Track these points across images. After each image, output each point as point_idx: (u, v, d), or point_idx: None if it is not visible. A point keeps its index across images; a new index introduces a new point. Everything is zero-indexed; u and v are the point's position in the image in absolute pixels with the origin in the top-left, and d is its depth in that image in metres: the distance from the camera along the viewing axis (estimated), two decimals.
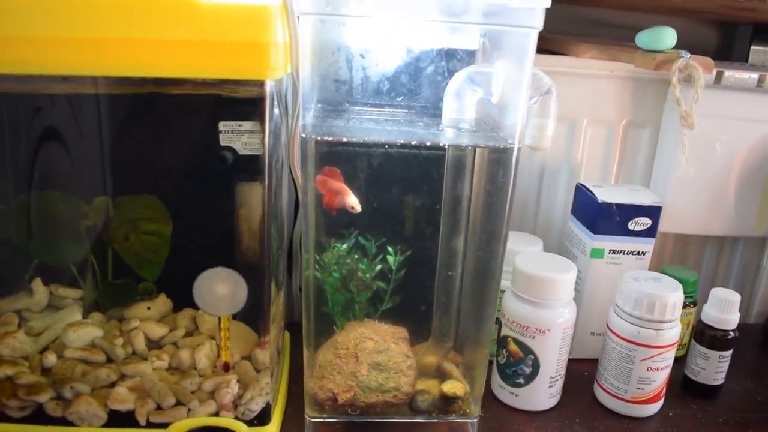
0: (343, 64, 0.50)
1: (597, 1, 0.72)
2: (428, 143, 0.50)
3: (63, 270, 0.57)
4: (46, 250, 0.56)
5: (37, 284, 0.56)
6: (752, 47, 0.80)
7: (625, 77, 0.71)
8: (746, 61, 0.81)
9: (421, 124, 0.55)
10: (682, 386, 0.67)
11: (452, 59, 0.52)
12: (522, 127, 0.49)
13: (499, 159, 0.52)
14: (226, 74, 0.45)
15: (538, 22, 0.46)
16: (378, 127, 0.52)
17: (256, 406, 0.54)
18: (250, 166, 0.52)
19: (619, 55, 0.66)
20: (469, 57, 0.52)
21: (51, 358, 0.54)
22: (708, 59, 0.63)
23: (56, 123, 0.52)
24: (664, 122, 0.72)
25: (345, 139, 0.49)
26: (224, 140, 0.51)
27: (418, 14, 0.46)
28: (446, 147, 0.53)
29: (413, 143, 0.49)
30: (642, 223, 0.65)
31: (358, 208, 0.51)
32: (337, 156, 0.50)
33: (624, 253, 0.66)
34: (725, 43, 0.84)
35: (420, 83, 0.53)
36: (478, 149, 0.53)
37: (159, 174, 0.55)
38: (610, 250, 0.66)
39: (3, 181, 0.54)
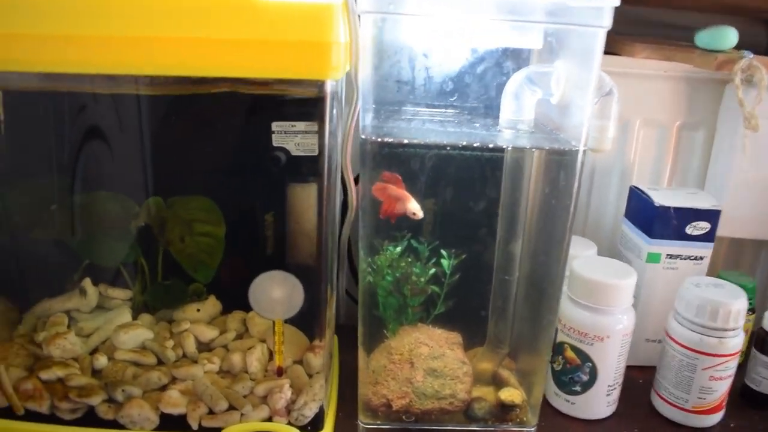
0: (405, 63, 0.49)
1: (648, 0, 0.70)
2: (490, 145, 0.49)
3: (112, 270, 0.57)
4: (97, 251, 0.56)
5: (87, 284, 0.56)
6: None
7: (679, 78, 0.69)
8: None
9: (478, 125, 0.53)
10: (742, 396, 0.65)
11: (514, 59, 0.50)
12: (587, 129, 0.48)
13: (562, 161, 0.50)
14: (286, 74, 0.44)
15: (607, 21, 0.45)
16: (437, 128, 0.50)
17: (310, 412, 0.53)
18: (304, 167, 0.51)
19: (675, 55, 0.64)
20: (528, 56, 0.51)
21: (102, 360, 0.53)
22: None
23: (110, 123, 0.52)
24: (720, 124, 0.70)
25: (405, 141, 0.48)
26: (277, 141, 0.51)
27: (481, 12, 0.45)
28: (506, 149, 0.52)
29: (475, 145, 0.48)
30: (700, 227, 0.63)
31: (420, 214, 0.50)
32: (395, 157, 0.49)
33: (681, 258, 0.64)
34: None
35: (480, 83, 0.52)
36: (538, 151, 0.52)
37: (212, 175, 0.54)
38: (667, 255, 0.64)
39: (55, 180, 0.54)
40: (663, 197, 0.63)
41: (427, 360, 0.54)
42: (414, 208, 0.49)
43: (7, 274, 0.57)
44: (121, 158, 0.53)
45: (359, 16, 0.45)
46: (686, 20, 0.75)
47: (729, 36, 0.61)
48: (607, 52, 0.69)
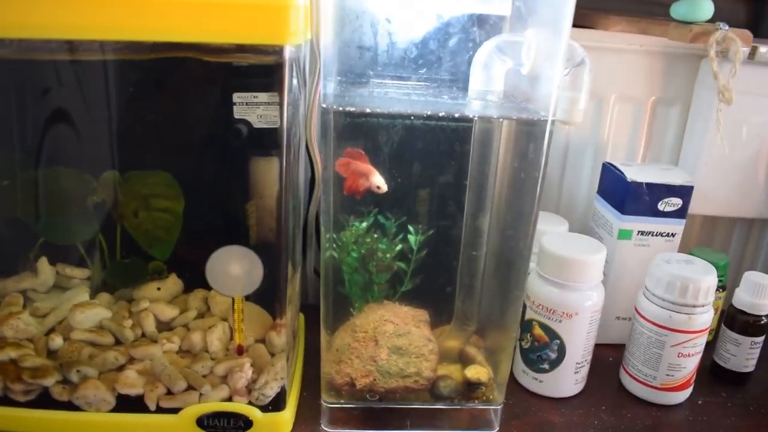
0: (368, 29, 0.47)
1: None
2: (456, 115, 0.47)
3: (69, 249, 0.55)
4: (53, 228, 0.54)
5: (43, 264, 0.54)
6: None
7: (654, 52, 0.68)
8: None
9: (446, 96, 0.52)
10: (711, 373, 0.64)
11: (483, 26, 0.49)
12: (556, 100, 0.46)
13: (531, 132, 0.49)
14: (243, 39, 0.42)
15: None
16: (403, 97, 0.49)
17: (271, 391, 0.51)
18: (266, 140, 0.49)
19: (650, 28, 0.63)
20: (499, 24, 0.49)
21: (57, 341, 0.51)
22: (746, 32, 0.60)
23: (62, 95, 0.49)
24: (695, 99, 0.69)
25: (368, 110, 0.46)
26: (239, 113, 0.49)
27: None
28: (474, 119, 0.50)
29: (441, 115, 0.46)
30: (672, 203, 0.62)
31: (384, 188, 0.48)
32: (358, 128, 0.47)
33: (653, 235, 0.63)
34: (754, 18, 0.80)
35: (447, 52, 0.50)
36: (507, 122, 0.51)
37: (170, 149, 0.52)
38: (638, 231, 0.63)
39: (8, 156, 0.51)
40: (636, 173, 0.62)
41: (391, 338, 0.53)
42: (378, 181, 0.48)
43: None
44: (77, 131, 0.51)
45: None
46: None
47: (704, 7, 0.60)
48: (581, 26, 0.68)
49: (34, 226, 0.54)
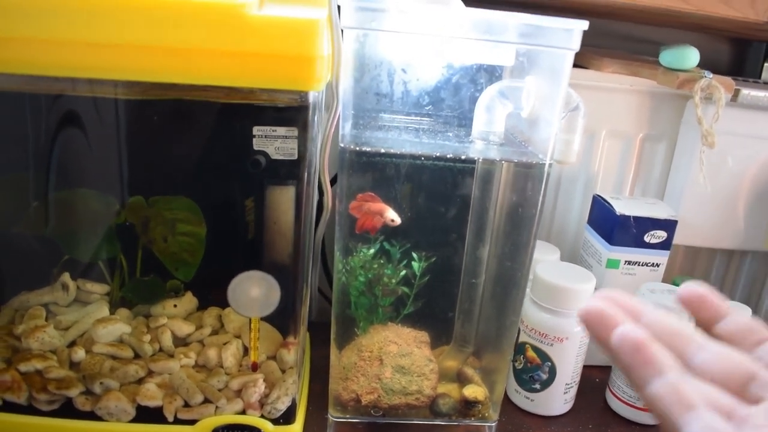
0: (384, 77, 0.51)
1: (616, 15, 0.73)
2: (463, 157, 0.51)
3: (90, 266, 0.58)
4: (77, 246, 0.57)
5: (66, 279, 0.57)
6: (766, 65, 0.81)
7: (644, 92, 0.73)
8: (759, 77, 0.82)
9: (451, 134, 0.56)
10: None
11: (488, 74, 0.53)
12: (554, 144, 0.50)
13: (529, 173, 0.53)
14: (272, 84, 0.45)
15: (575, 44, 0.47)
16: (413, 138, 0.53)
17: (282, 405, 0.55)
18: (282, 171, 0.53)
19: (641, 71, 0.68)
20: (501, 72, 0.53)
21: (80, 353, 0.54)
22: (729, 80, 0.64)
23: (94, 125, 0.53)
24: (681, 137, 0.74)
25: (382, 150, 0.50)
26: (258, 145, 0.52)
27: (457, 31, 0.47)
28: (477, 160, 0.54)
29: (448, 156, 0.50)
30: (658, 235, 0.67)
31: (398, 221, 0.52)
32: (372, 166, 0.51)
33: (639, 265, 0.68)
34: (738, 59, 0.85)
35: (455, 97, 0.54)
36: (507, 163, 0.55)
37: (193, 176, 0.56)
38: (625, 261, 0.67)
39: (38, 177, 0.55)
40: (624, 206, 0.67)
41: (395, 357, 0.57)
42: (392, 215, 0.52)
43: None
44: (105, 158, 0.54)
45: (342, 30, 0.47)
46: (652, 34, 0.79)
47: (691, 56, 0.64)
48: (576, 65, 0.72)
49: (60, 244, 0.57)
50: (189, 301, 0.59)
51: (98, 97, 0.51)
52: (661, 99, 0.73)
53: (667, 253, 0.68)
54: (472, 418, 0.58)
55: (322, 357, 0.68)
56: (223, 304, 0.59)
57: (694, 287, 0.31)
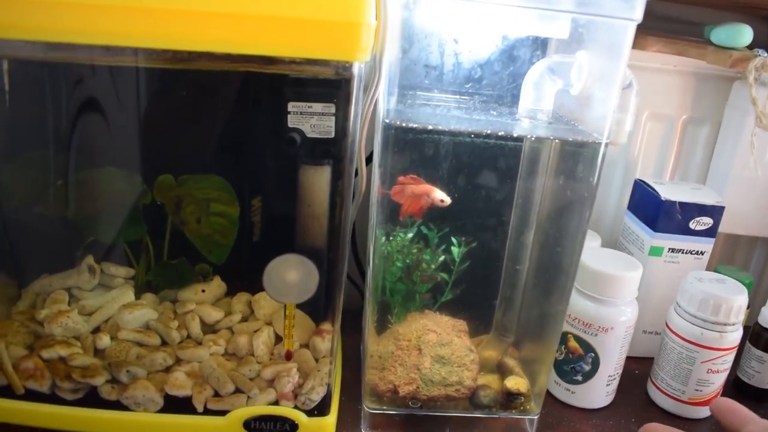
0: (435, 48, 0.48)
1: None
2: (515, 134, 0.48)
3: (113, 248, 0.56)
4: (102, 228, 0.54)
5: (91, 261, 0.55)
6: None
7: (687, 72, 0.70)
8: None
9: (495, 112, 0.53)
10: (734, 388, 0.66)
11: (543, 48, 0.50)
12: (610, 122, 0.47)
13: (581, 153, 0.50)
14: (316, 54, 0.42)
15: (638, 14, 0.44)
16: (459, 114, 0.50)
17: (317, 396, 0.52)
18: (318, 150, 0.50)
19: (687, 50, 0.64)
20: (556, 46, 0.50)
21: (105, 339, 0.52)
22: None
23: (120, 97, 0.50)
24: (726, 120, 0.71)
25: (429, 127, 0.47)
26: (292, 122, 0.49)
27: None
28: (525, 138, 0.51)
29: (499, 134, 0.47)
30: (703, 222, 0.64)
31: (448, 200, 0.49)
32: (417, 143, 0.48)
33: (683, 252, 0.65)
34: None
35: (506, 72, 0.51)
36: (557, 142, 0.52)
37: (224, 154, 0.53)
38: (669, 249, 0.65)
39: (61, 156, 0.52)
40: (669, 192, 0.64)
41: (434, 347, 0.54)
42: (441, 195, 0.49)
43: (5, 249, 0.55)
44: (131, 135, 0.51)
45: None
46: (696, 15, 0.75)
47: (744, 34, 0.61)
48: None
49: (83, 225, 0.54)
50: (218, 286, 0.57)
51: (126, 69, 0.48)
52: (705, 80, 0.70)
53: (712, 240, 0.65)
54: (513, 411, 0.56)
55: (350, 345, 0.66)
56: (253, 289, 0.57)
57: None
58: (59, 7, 0.40)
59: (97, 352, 0.52)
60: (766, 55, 0.59)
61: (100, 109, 0.50)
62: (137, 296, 0.55)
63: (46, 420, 0.51)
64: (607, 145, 0.48)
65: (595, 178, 0.48)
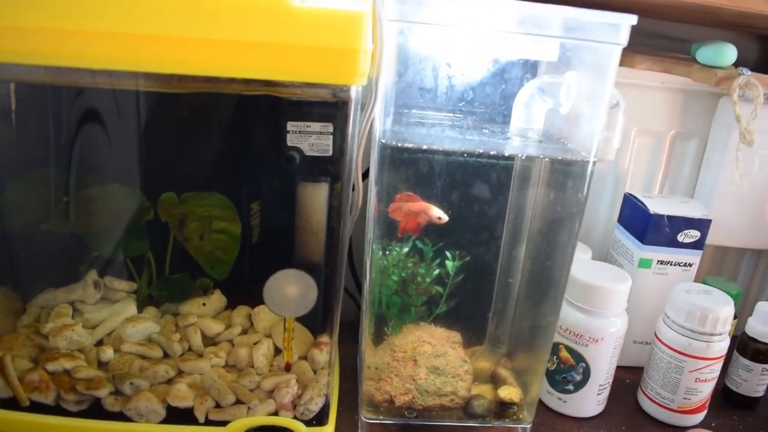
0: (429, 72, 0.50)
1: (648, 11, 0.72)
2: (506, 153, 0.50)
3: (116, 263, 0.57)
4: (107, 243, 0.56)
5: (95, 276, 0.56)
6: None
7: (675, 89, 0.72)
8: None
9: (487, 131, 0.55)
10: (723, 396, 0.68)
11: (532, 70, 0.52)
12: (598, 141, 0.49)
13: (570, 171, 0.52)
14: (314, 78, 0.44)
15: (623, 39, 0.46)
16: (453, 134, 0.52)
17: (315, 406, 0.54)
18: (316, 167, 0.51)
19: (674, 68, 0.66)
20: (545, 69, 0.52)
21: (108, 352, 0.53)
22: (767, 77, 0.63)
23: (125, 119, 0.52)
24: (712, 135, 0.73)
25: (424, 147, 0.49)
26: (291, 141, 0.51)
27: (503, 25, 0.46)
28: (516, 157, 0.53)
29: (491, 153, 0.49)
30: (691, 235, 0.66)
31: (445, 218, 0.51)
32: (412, 162, 0.50)
33: (671, 264, 0.67)
34: (766, 56, 0.84)
35: (498, 92, 0.53)
36: (547, 160, 0.54)
37: (225, 173, 0.55)
38: (658, 261, 0.66)
39: (67, 174, 0.53)
40: (657, 205, 0.66)
41: (429, 358, 0.56)
42: (438, 213, 0.51)
43: (10, 264, 0.56)
44: (135, 153, 0.53)
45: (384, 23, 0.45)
46: (683, 32, 0.77)
47: (729, 53, 0.63)
48: None
49: (86, 240, 0.56)
50: (218, 299, 0.58)
51: (129, 91, 0.50)
52: (692, 97, 0.72)
53: (700, 252, 0.67)
54: (507, 420, 0.57)
55: (347, 356, 0.68)
56: (252, 303, 0.58)
57: None
58: (65, 34, 0.41)
59: (101, 365, 0.53)
60: (749, 73, 0.61)
61: (104, 129, 0.52)
62: (139, 310, 0.57)
63: (51, 431, 0.52)
64: (595, 162, 0.50)
65: (584, 194, 0.50)
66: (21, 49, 0.42)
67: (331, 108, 0.48)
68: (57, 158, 0.53)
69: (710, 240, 0.74)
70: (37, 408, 0.52)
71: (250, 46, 0.42)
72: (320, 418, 0.54)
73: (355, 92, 0.46)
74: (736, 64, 0.65)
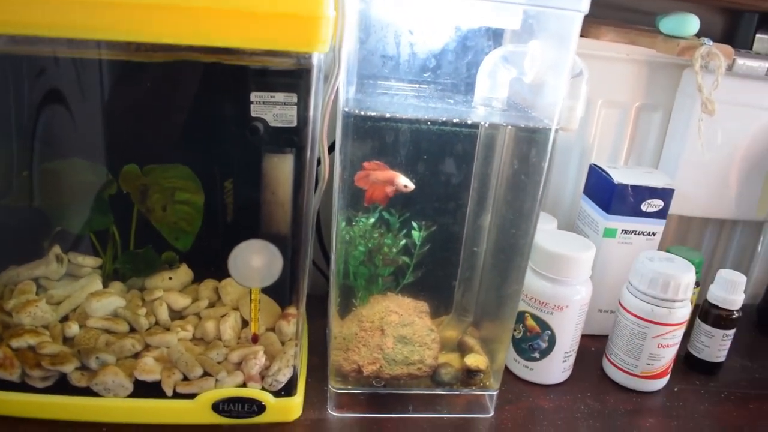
0: (391, 39, 0.50)
1: None
2: (469, 121, 0.50)
3: (80, 238, 0.56)
4: (69, 218, 0.55)
5: (59, 251, 0.55)
6: (757, 35, 0.81)
7: (640, 61, 0.72)
8: (750, 48, 0.82)
9: (452, 101, 0.55)
10: (686, 362, 0.69)
11: (495, 39, 0.52)
12: (560, 109, 0.50)
13: (534, 139, 0.52)
14: (275, 46, 0.44)
15: (584, 6, 0.46)
16: (418, 103, 0.52)
17: (283, 378, 0.54)
18: (281, 138, 0.51)
19: (638, 39, 0.67)
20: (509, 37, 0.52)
21: (74, 328, 0.53)
22: (728, 47, 0.64)
23: (86, 90, 0.51)
24: (676, 106, 0.74)
25: (387, 115, 0.49)
26: (255, 111, 0.51)
27: None
28: (481, 125, 0.53)
29: (454, 121, 0.49)
30: (654, 204, 0.67)
31: (412, 186, 0.51)
32: (377, 131, 0.50)
33: (636, 234, 0.68)
34: (730, 29, 0.85)
35: (460, 61, 0.53)
36: (511, 128, 0.54)
37: (189, 144, 0.54)
38: (622, 230, 0.67)
39: (27, 147, 0.52)
40: (621, 175, 0.67)
41: (397, 328, 0.56)
42: (404, 181, 0.51)
43: None
44: (96, 125, 0.52)
45: None
46: (648, 5, 0.78)
47: (691, 23, 0.64)
48: None
49: (50, 215, 0.55)
50: (184, 273, 0.58)
51: (90, 61, 0.49)
52: (657, 68, 0.73)
53: (663, 222, 0.68)
54: (474, 388, 0.58)
55: (317, 329, 0.68)
56: (219, 275, 0.58)
57: None
58: (23, 2, 0.40)
59: (66, 341, 0.53)
60: (711, 43, 0.62)
61: (64, 100, 0.51)
62: (105, 285, 0.56)
63: (17, 408, 0.52)
64: (557, 131, 0.50)
65: (546, 162, 0.51)
66: None
67: (295, 77, 0.48)
68: (17, 132, 0.52)
69: (675, 210, 0.75)
70: (2, 385, 0.51)
71: (212, 12, 0.42)
72: (288, 389, 0.55)
73: (317, 60, 0.46)
74: (699, 35, 0.66)
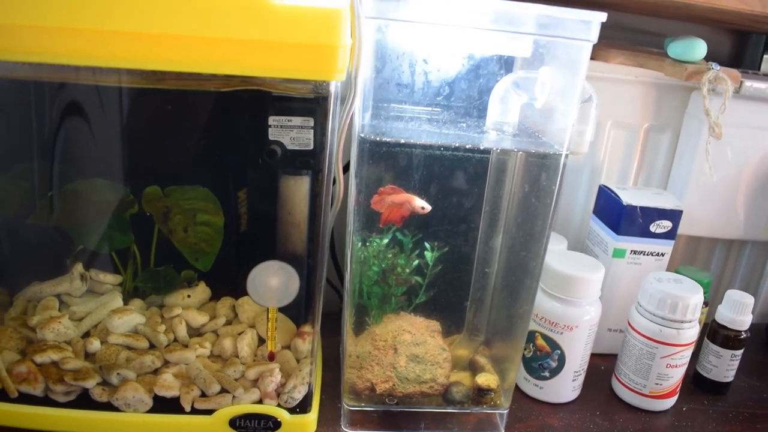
0: (406, 67, 0.52)
1: (622, 6, 0.74)
2: (481, 147, 0.51)
3: (102, 256, 0.58)
4: (92, 237, 0.57)
5: (82, 269, 0.57)
6: (765, 56, 0.82)
7: (648, 83, 0.74)
8: (758, 69, 0.83)
9: (465, 125, 0.56)
10: (694, 382, 0.70)
11: (506, 66, 0.53)
12: (570, 135, 0.51)
13: (544, 163, 0.53)
14: (294, 74, 0.45)
15: (593, 35, 0.48)
16: (431, 129, 0.53)
17: (299, 394, 0.55)
18: (297, 161, 0.53)
19: (647, 63, 0.68)
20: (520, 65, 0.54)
21: (95, 344, 0.54)
22: (735, 72, 0.65)
23: (110, 115, 0.52)
24: (684, 128, 0.75)
25: (402, 141, 0.50)
26: (273, 135, 0.52)
27: (478, 22, 0.47)
28: (493, 150, 0.55)
29: (467, 147, 0.51)
30: (663, 225, 0.68)
31: (428, 208, 0.52)
32: (391, 156, 0.51)
33: (645, 254, 0.69)
34: (738, 50, 0.86)
35: (473, 87, 0.55)
36: (523, 153, 0.55)
37: (209, 166, 0.56)
38: (631, 251, 0.68)
39: (52, 168, 0.54)
40: (630, 197, 0.68)
41: (409, 346, 0.57)
42: (421, 203, 0.52)
43: None
44: (120, 148, 0.54)
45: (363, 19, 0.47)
46: (656, 27, 0.79)
47: (699, 48, 0.65)
48: None
49: (72, 234, 0.57)
50: (202, 291, 0.59)
51: (112, 87, 0.51)
52: (665, 90, 0.74)
53: (671, 242, 0.69)
54: (484, 406, 0.59)
55: (330, 345, 0.69)
56: (236, 294, 0.60)
57: None
58: (47, 32, 0.42)
59: (88, 356, 0.55)
60: (719, 68, 0.63)
61: (89, 124, 0.53)
62: (125, 302, 0.58)
63: (39, 422, 0.53)
64: (567, 155, 0.51)
65: (557, 186, 0.52)
66: (4, 47, 0.42)
67: (312, 103, 0.50)
68: (41, 153, 0.54)
69: (683, 230, 0.76)
70: (25, 399, 0.53)
71: (232, 43, 0.44)
72: (303, 406, 0.56)
73: (334, 87, 0.48)
74: (708, 59, 0.67)
